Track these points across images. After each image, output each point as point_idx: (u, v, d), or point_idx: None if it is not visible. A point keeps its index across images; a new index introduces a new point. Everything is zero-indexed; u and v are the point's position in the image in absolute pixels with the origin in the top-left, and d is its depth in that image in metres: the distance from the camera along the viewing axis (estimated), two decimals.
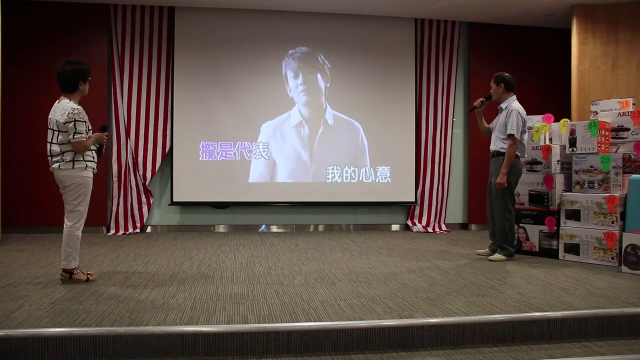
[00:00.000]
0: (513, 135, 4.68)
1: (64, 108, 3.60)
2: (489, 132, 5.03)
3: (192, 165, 6.84)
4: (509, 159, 4.69)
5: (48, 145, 3.67)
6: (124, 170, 6.71)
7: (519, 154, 4.81)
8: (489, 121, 5.13)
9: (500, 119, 4.87)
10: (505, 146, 4.75)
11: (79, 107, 3.65)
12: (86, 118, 3.68)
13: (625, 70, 6.38)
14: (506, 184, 4.72)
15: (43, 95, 6.33)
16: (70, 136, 3.60)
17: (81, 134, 3.62)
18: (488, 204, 5.04)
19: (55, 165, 3.64)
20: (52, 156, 3.66)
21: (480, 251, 5.13)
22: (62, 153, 3.63)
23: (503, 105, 4.87)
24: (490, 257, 4.84)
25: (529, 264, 4.68)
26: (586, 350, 2.84)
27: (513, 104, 4.80)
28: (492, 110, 5.14)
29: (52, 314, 2.92)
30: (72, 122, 3.58)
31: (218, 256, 5.00)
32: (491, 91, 4.96)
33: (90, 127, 3.75)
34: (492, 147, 4.92)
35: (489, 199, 4.99)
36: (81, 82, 3.70)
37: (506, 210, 4.79)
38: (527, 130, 4.88)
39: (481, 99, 5.04)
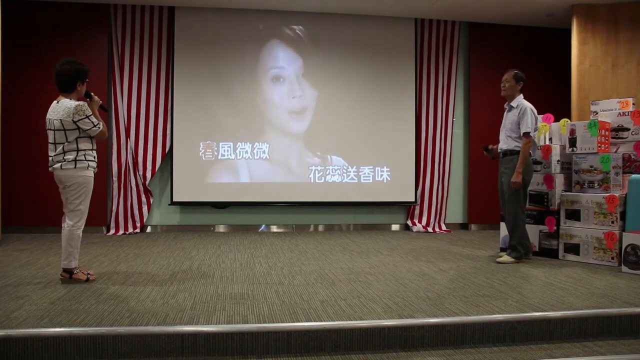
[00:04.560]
0: (528, 133, 4.60)
1: (67, 107, 3.59)
2: None
3: (192, 165, 6.84)
4: (524, 158, 4.61)
5: (51, 146, 3.67)
6: (124, 170, 6.72)
7: (531, 152, 4.76)
8: (494, 124, 5.02)
9: (510, 117, 4.77)
10: (518, 144, 4.67)
11: (80, 102, 3.66)
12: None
13: (625, 70, 6.38)
14: (522, 183, 4.64)
15: (43, 95, 6.33)
16: (93, 128, 3.64)
17: (98, 123, 3.67)
18: (502, 205, 4.92)
19: (57, 165, 3.64)
20: (53, 157, 3.66)
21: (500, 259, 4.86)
22: (63, 153, 3.62)
23: (514, 104, 4.76)
24: (499, 259, 4.75)
25: (529, 264, 4.68)
26: (586, 350, 2.84)
27: (525, 102, 4.72)
28: (496, 111, 5.12)
29: (52, 314, 2.92)
30: (85, 118, 3.61)
31: (218, 256, 5.00)
32: (507, 85, 4.78)
33: None
34: (504, 147, 4.80)
35: (502, 199, 4.89)
36: (79, 83, 3.70)
37: (520, 210, 4.72)
38: (537, 129, 4.84)
39: (485, 153, 5.11)
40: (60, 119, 3.59)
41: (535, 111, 4.71)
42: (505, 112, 4.88)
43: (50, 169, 3.69)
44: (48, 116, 3.67)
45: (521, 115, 4.67)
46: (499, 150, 4.90)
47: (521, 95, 4.80)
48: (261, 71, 7.00)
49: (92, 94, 3.87)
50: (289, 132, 7.03)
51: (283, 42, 7.04)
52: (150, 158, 6.76)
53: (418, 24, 7.34)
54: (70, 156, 3.63)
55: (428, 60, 7.38)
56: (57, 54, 6.25)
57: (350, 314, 3.02)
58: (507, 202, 4.77)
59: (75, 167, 3.64)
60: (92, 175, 3.74)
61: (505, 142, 4.81)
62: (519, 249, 4.73)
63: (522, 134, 4.65)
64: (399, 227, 7.48)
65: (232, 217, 7.09)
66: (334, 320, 2.88)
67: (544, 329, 2.98)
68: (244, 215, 7.12)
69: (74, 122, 3.59)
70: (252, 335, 2.71)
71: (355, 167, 7.17)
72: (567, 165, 5.19)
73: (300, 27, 7.08)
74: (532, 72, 7.50)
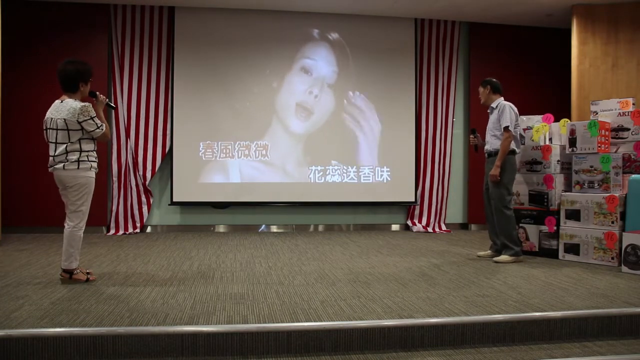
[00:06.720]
0: (508, 127, 4.69)
1: (72, 108, 3.57)
2: None
3: (192, 165, 6.85)
4: (504, 151, 4.69)
5: (52, 145, 3.62)
6: (124, 170, 6.72)
7: (516, 149, 4.80)
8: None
9: (492, 117, 4.90)
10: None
11: (86, 103, 3.65)
12: None
13: (625, 70, 6.38)
14: (499, 177, 4.70)
15: (43, 95, 6.33)
16: (96, 130, 3.64)
17: (101, 125, 3.67)
18: (486, 205, 5.03)
19: (59, 165, 3.61)
20: (55, 156, 3.62)
21: (481, 253, 5.10)
22: (66, 153, 3.60)
23: (494, 105, 4.90)
24: (496, 259, 4.77)
25: (529, 264, 4.68)
26: (586, 350, 2.84)
27: (504, 101, 4.85)
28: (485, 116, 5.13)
29: (52, 314, 2.92)
30: (90, 119, 3.61)
31: (218, 256, 5.00)
32: (479, 95, 5.03)
33: None
34: (488, 147, 4.90)
35: (486, 199, 4.99)
36: (82, 83, 3.70)
37: (505, 207, 4.76)
38: (519, 125, 4.87)
39: (470, 135, 5.21)
40: (65, 119, 3.56)
41: (514, 109, 4.81)
42: (489, 116, 5.00)
43: (50, 169, 3.65)
44: (49, 115, 3.63)
45: (500, 113, 4.78)
46: (485, 151, 4.99)
47: (501, 98, 4.92)
48: (261, 71, 7.00)
49: (97, 93, 3.86)
50: (289, 132, 7.03)
51: (283, 42, 7.04)
52: (150, 158, 6.77)
53: (418, 24, 7.34)
54: (73, 157, 3.61)
55: (428, 60, 7.38)
56: (57, 54, 6.27)
57: (350, 314, 3.02)
58: (493, 201, 4.83)
59: (78, 168, 3.62)
60: (94, 176, 3.74)
61: (489, 143, 4.90)
62: (510, 246, 4.76)
63: (502, 129, 4.74)
64: (399, 227, 7.48)
65: (232, 217, 7.09)
66: (334, 320, 2.88)
67: (544, 329, 2.98)
68: (244, 215, 7.12)
69: (79, 123, 3.58)
70: (252, 335, 2.71)
71: (355, 167, 7.17)
72: (567, 165, 5.19)
73: (299, 27, 7.08)
74: (532, 72, 7.55)
